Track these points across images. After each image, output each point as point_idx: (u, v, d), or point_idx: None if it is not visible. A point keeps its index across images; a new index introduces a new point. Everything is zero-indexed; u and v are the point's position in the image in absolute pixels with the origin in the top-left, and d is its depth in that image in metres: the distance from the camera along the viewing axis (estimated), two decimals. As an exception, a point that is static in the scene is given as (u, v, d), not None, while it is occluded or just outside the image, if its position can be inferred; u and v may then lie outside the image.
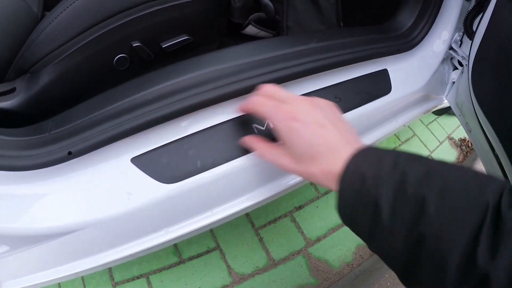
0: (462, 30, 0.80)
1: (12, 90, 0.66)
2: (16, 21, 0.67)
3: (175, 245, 1.14)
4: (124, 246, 0.61)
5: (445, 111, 1.59)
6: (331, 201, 1.28)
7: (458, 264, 0.26)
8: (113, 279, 1.10)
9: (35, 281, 0.62)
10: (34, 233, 0.55)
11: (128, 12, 0.68)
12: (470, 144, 1.63)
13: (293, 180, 0.65)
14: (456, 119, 1.71)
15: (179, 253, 1.13)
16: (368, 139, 0.75)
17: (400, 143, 1.50)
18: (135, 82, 0.61)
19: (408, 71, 0.78)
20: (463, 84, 0.82)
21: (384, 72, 0.76)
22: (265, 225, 1.20)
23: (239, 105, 0.54)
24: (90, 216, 0.55)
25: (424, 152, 1.50)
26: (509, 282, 0.23)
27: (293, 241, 1.19)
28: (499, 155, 0.66)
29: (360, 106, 0.70)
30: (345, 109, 0.67)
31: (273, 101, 0.43)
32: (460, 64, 0.85)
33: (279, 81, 0.58)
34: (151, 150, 0.56)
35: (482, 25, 0.65)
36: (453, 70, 0.89)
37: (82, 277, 1.10)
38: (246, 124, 0.58)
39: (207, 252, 1.14)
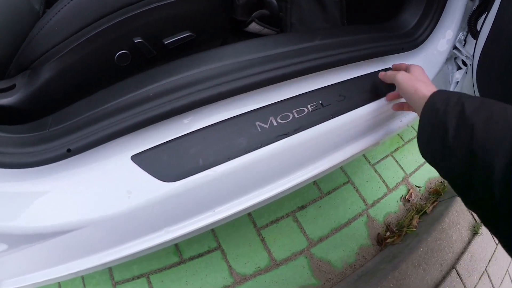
0: (466, 30, 0.80)
1: (12, 87, 0.65)
2: (17, 18, 0.67)
3: (176, 245, 1.13)
4: (124, 246, 0.60)
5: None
6: (334, 201, 1.27)
7: (503, 172, 0.33)
8: (113, 279, 1.08)
9: (35, 280, 0.62)
10: (32, 231, 0.54)
11: (129, 8, 0.67)
12: None
13: (296, 179, 0.65)
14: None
15: (180, 253, 1.12)
16: (373, 139, 0.74)
17: (404, 143, 1.49)
18: (136, 78, 0.61)
19: None
20: (467, 83, 0.82)
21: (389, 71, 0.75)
22: (267, 225, 1.19)
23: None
24: (89, 214, 0.54)
25: (427, 152, 1.48)
26: None
27: (295, 241, 1.17)
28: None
29: (364, 104, 0.69)
30: (349, 108, 0.66)
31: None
32: (464, 63, 0.84)
33: (282, 78, 0.57)
34: (152, 147, 0.55)
35: (486, 24, 0.64)
36: (457, 69, 0.88)
37: (82, 276, 1.09)
38: (249, 121, 0.57)
39: (208, 252, 1.12)
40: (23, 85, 0.66)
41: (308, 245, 1.17)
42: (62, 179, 0.54)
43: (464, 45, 0.82)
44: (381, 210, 1.29)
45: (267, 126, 0.58)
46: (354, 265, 1.16)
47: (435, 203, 1.35)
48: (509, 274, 1.31)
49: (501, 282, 1.27)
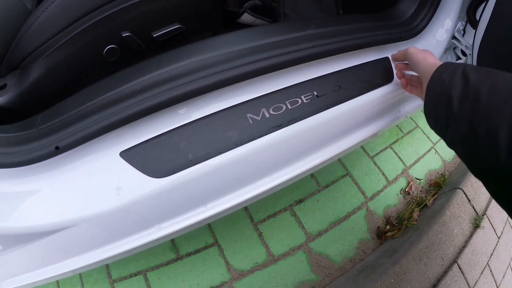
0: (465, 19, 0.78)
1: (3, 87, 0.65)
2: (9, 18, 0.66)
3: (172, 241, 1.12)
4: (115, 243, 0.59)
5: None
6: (332, 194, 1.26)
7: (508, 137, 0.35)
8: (110, 277, 1.08)
9: (31, 279, 0.61)
10: (23, 231, 0.53)
11: (116, 2, 0.66)
12: None
13: (291, 173, 0.63)
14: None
15: (176, 249, 1.11)
16: (370, 130, 0.72)
17: (403, 134, 1.47)
18: (123, 72, 0.59)
19: None
20: (467, 74, 0.80)
21: (386, 60, 0.73)
22: (264, 220, 1.18)
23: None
24: (78, 213, 0.54)
25: (427, 145, 1.48)
26: None
27: (294, 236, 1.16)
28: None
29: (360, 95, 0.67)
30: (345, 98, 0.64)
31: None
32: (464, 53, 0.83)
33: (274, 68, 0.55)
34: (140, 143, 0.54)
35: (485, 13, 0.63)
36: (457, 60, 0.87)
37: (79, 274, 1.09)
38: (239, 114, 0.55)
39: (205, 248, 1.11)
40: (13, 84, 0.65)
41: (307, 240, 1.16)
42: (51, 177, 0.54)
43: (463, 35, 0.81)
44: (380, 203, 1.27)
45: (259, 118, 0.56)
46: (354, 259, 1.15)
47: (435, 196, 1.33)
48: (511, 267, 1.30)
49: (503, 276, 1.26)
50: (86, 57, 0.70)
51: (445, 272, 1.10)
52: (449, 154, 1.50)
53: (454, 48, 0.85)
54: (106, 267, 1.09)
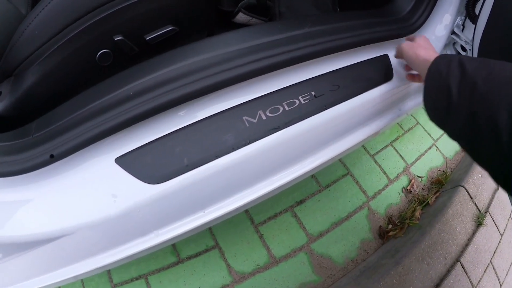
0: (464, 14, 0.77)
1: None
2: (3, 24, 0.66)
3: (173, 244, 1.11)
4: (113, 251, 0.58)
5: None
6: (333, 194, 1.24)
7: (506, 120, 0.35)
8: (112, 281, 1.07)
9: (31, 286, 0.60)
10: (19, 240, 0.53)
11: (107, 6, 0.65)
12: None
13: (290, 176, 0.62)
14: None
15: (177, 252, 1.10)
16: (370, 129, 0.71)
17: (403, 131, 1.46)
18: (116, 77, 0.59)
19: None
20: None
21: (385, 58, 0.72)
22: (265, 221, 1.16)
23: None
24: (74, 221, 0.53)
25: (428, 142, 1.47)
26: None
27: (295, 237, 1.15)
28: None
29: (360, 93, 0.66)
30: (344, 98, 0.63)
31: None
32: (463, 49, 0.82)
33: (270, 69, 0.54)
34: (135, 149, 0.53)
35: (485, 8, 0.62)
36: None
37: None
38: (235, 116, 0.54)
39: (206, 251, 1.11)
40: (8, 92, 0.65)
41: (308, 241, 1.15)
42: (47, 185, 0.53)
43: (462, 30, 0.79)
44: (382, 202, 1.26)
45: (255, 121, 0.55)
46: (356, 260, 1.14)
47: (437, 194, 1.32)
48: (515, 265, 1.29)
49: (507, 274, 1.25)
50: (80, 63, 0.70)
51: (448, 272, 1.09)
52: (450, 151, 1.49)
53: (454, 43, 0.84)
54: (107, 271, 1.09)
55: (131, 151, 0.53)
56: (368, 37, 0.67)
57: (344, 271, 1.11)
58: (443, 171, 1.41)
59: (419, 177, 1.36)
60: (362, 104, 0.66)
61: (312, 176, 1.27)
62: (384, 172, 1.33)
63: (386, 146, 1.40)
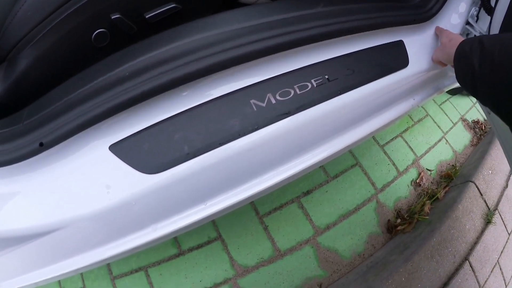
0: (479, 5, 0.75)
1: None
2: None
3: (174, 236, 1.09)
4: (108, 245, 0.55)
5: (459, 91, 1.53)
6: (341, 185, 1.20)
7: None
8: (111, 273, 1.05)
9: (24, 282, 0.59)
10: (9, 235, 0.51)
11: (103, -19, 0.60)
12: (483, 127, 1.57)
13: (299, 166, 0.58)
14: (469, 100, 1.65)
15: (178, 244, 1.07)
16: (385, 118, 0.67)
17: (413, 123, 1.42)
18: (111, 58, 0.55)
19: (425, 44, 0.71)
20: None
21: (400, 44, 0.68)
22: (270, 212, 1.13)
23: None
24: (66, 214, 0.50)
25: (437, 134, 1.44)
26: None
27: (301, 230, 1.11)
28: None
29: (375, 79, 0.62)
30: (359, 83, 0.59)
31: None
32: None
33: (280, 48, 0.49)
34: (131, 135, 0.49)
35: (502, 2, 0.62)
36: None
37: (79, 270, 1.07)
38: (242, 100, 0.50)
39: (208, 242, 1.08)
40: (1, 78, 0.63)
41: (314, 234, 1.11)
42: (36, 177, 0.50)
43: (476, 21, 0.77)
44: (391, 195, 1.22)
45: (264, 105, 0.51)
46: (363, 254, 1.11)
47: (447, 188, 1.29)
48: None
49: (512, 274, 1.23)
50: (74, 44, 0.66)
51: (457, 270, 1.07)
52: (459, 144, 1.46)
53: (467, 34, 0.81)
54: (107, 263, 1.06)
55: (126, 137, 0.49)
56: (383, 20, 0.63)
57: (350, 266, 1.08)
58: (453, 165, 1.37)
59: (428, 170, 1.32)
60: (378, 90, 0.63)
61: (321, 165, 1.23)
62: (394, 164, 1.28)
63: (396, 137, 1.35)
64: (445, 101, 1.58)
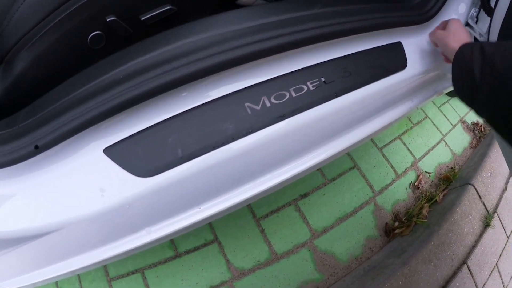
0: (478, 6, 0.74)
1: None
2: None
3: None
4: (102, 248, 0.55)
5: (459, 92, 1.52)
6: (339, 188, 1.20)
7: None
8: (108, 275, 1.05)
9: (18, 284, 0.59)
10: (5, 236, 0.51)
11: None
12: (483, 129, 1.56)
13: (295, 169, 0.57)
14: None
15: (175, 246, 1.07)
16: (383, 120, 0.66)
17: (412, 125, 1.41)
18: (106, 61, 0.55)
19: (424, 46, 0.71)
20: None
21: (399, 45, 0.68)
22: (267, 215, 1.12)
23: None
24: (59, 217, 0.50)
25: (437, 136, 1.43)
26: None
27: (298, 233, 1.11)
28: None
29: (373, 81, 0.61)
30: (355, 85, 0.58)
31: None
32: (477, 41, 0.77)
33: (275, 50, 0.49)
34: (125, 138, 0.49)
35: (502, 2, 0.61)
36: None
37: (76, 272, 1.06)
38: (236, 103, 0.49)
39: (205, 245, 1.07)
40: None
41: (311, 237, 1.11)
42: (31, 179, 0.50)
43: (476, 22, 0.76)
44: (389, 197, 1.22)
45: (258, 108, 0.50)
46: (360, 258, 1.10)
47: (445, 191, 1.28)
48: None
49: (511, 278, 1.22)
50: (70, 46, 0.66)
51: (454, 274, 1.06)
52: (459, 146, 1.45)
53: None
54: (104, 265, 1.06)
55: (120, 140, 0.49)
56: (381, 21, 0.63)
57: (347, 269, 1.07)
58: (452, 167, 1.37)
59: (427, 172, 1.32)
60: (375, 93, 0.62)
61: (318, 168, 1.22)
62: (392, 167, 1.28)
63: (395, 139, 1.35)
64: (445, 103, 1.57)
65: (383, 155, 1.30)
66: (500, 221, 1.25)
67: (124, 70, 0.49)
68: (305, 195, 1.17)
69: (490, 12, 0.68)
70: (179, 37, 0.49)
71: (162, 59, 0.47)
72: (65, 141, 0.48)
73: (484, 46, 0.50)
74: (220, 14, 0.54)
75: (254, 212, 1.13)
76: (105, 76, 0.50)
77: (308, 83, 0.54)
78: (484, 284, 1.12)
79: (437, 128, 1.46)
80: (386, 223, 1.16)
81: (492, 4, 0.67)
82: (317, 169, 1.22)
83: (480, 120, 1.59)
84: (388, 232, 1.14)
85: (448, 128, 1.48)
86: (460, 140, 1.48)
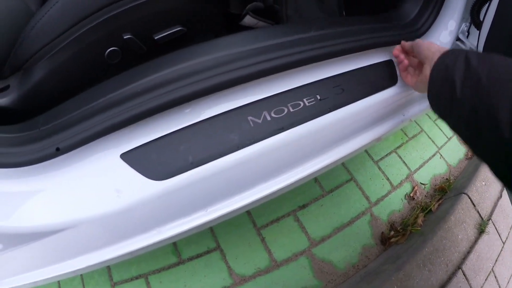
0: (469, 20, 0.77)
1: (6, 88, 0.65)
2: (12, 19, 0.67)
3: (174, 245, 1.12)
4: (114, 246, 0.58)
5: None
6: (336, 199, 1.24)
7: (507, 112, 0.36)
8: (112, 279, 1.07)
9: (30, 279, 0.61)
10: (22, 231, 0.53)
11: (118, 4, 0.66)
12: None
13: (294, 176, 0.62)
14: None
15: (178, 253, 1.10)
16: (374, 134, 0.71)
17: (408, 138, 1.46)
18: (124, 74, 0.59)
19: None
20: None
21: (390, 63, 0.72)
22: (267, 225, 1.17)
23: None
24: (77, 214, 0.53)
25: (432, 149, 1.47)
26: None
27: (297, 241, 1.15)
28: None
29: (364, 97, 0.66)
30: (348, 101, 0.63)
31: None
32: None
33: (275, 70, 0.54)
34: (141, 145, 0.54)
35: (489, 14, 0.62)
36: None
37: (81, 276, 1.09)
38: (240, 116, 0.55)
39: (207, 252, 1.11)
40: (16, 85, 0.66)
41: (310, 245, 1.14)
42: (52, 178, 0.53)
43: (467, 36, 0.79)
44: (385, 208, 1.25)
45: (260, 121, 0.56)
46: (357, 265, 1.13)
47: (440, 201, 1.31)
48: (516, 273, 1.28)
49: (508, 282, 1.24)
50: (88, 59, 0.71)
51: (449, 279, 1.08)
52: (454, 158, 1.48)
53: None
54: (108, 270, 1.09)
55: (136, 147, 0.53)
56: (372, 41, 0.67)
57: (345, 276, 1.10)
58: (447, 178, 1.40)
59: (422, 184, 1.35)
60: (367, 107, 0.67)
61: (316, 180, 1.27)
62: (388, 179, 1.32)
63: (390, 153, 1.39)
64: (439, 117, 1.61)
65: (379, 168, 1.34)
66: (495, 228, 1.28)
67: (142, 84, 0.53)
68: (303, 206, 1.21)
69: (479, 25, 0.68)
70: (192, 56, 0.54)
71: (176, 76, 0.52)
72: (85, 146, 0.52)
73: (469, 55, 0.45)
74: (226, 36, 0.60)
75: (255, 221, 1.17)
76: (125, 89, 0.54)
77: (305, 99, 0.59)
78: (480, 288, 1.14)
79: (433, 141, 1.49)
80: (382, 233, 1.19)
81: (482, 18, 0.67)
82: (315, 181, 1.27)
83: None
84: (384, 241, 1.18)
85: (443, 141, 1.52)
86: (456, 152, 1.51)
